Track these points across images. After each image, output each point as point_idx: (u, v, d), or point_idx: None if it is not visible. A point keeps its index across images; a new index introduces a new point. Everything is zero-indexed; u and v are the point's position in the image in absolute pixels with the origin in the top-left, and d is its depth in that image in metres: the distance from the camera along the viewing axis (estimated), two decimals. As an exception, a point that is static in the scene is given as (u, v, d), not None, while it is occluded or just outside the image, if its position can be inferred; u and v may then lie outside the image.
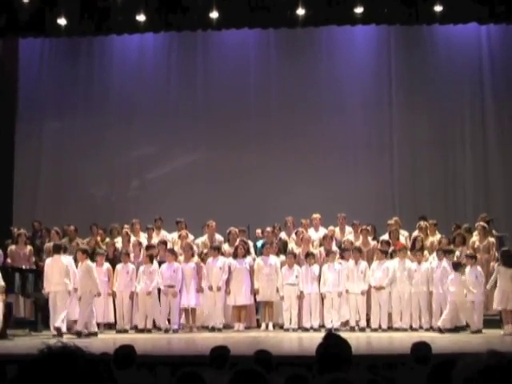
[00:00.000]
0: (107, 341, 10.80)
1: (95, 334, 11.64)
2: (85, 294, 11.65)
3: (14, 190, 16.46)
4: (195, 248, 13.17)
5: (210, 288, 12.57)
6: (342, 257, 12.74)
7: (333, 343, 3.44)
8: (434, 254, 12.60)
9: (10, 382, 1.56)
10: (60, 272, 11.56)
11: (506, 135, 16.17)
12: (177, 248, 13.31)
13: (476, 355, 1.70)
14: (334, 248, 13.15)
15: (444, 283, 11.97)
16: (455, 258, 12.30)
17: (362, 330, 12.30)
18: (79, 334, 11.41)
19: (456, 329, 11.79)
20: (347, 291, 12.46)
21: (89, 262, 11.81)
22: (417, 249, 12.69)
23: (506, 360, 1.65)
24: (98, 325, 12.31)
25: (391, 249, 12.83)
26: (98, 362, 1.59)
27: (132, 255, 13.05)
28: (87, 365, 1.56)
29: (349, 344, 3.42)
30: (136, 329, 12.57)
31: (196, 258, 12.86)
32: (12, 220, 15.66)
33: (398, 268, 12.40)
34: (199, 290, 12.61)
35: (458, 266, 11.87)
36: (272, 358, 5.57)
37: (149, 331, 12.45)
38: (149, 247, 13.19)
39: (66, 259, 11.84)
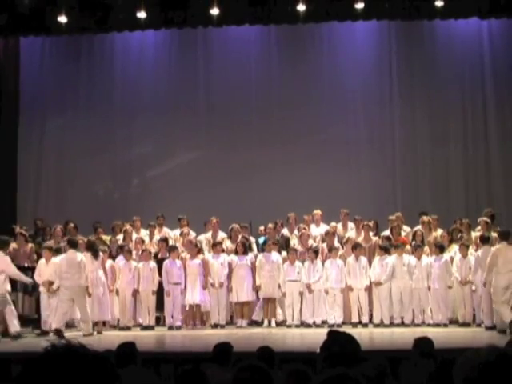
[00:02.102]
0: (111, 338, 10.82)
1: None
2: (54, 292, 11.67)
3: (18, 188, 16.50)
4: (198, 244, 13.17)
5: (212, 284, 12.60)
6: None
7: (337, 340, 3.41)
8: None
9: (14, 381, 1.57)
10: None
11: (507, 130, 16.14)
12: (179, 245, 13.32)
13: (476, 350, 1.71)
14: (337, 244, 13.15)
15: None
16: (448, 256, 12.32)
17: (365, 326, 12.32)
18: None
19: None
20: (350, 288, 12.47)
21: (54, 258, 11.84)
22: (417, 244, 12.66)
23: (505, 355, 1.66)
24: (104, 323, 12.37)
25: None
26: (103, 360, 1.61)
27: (134, 252, 13.05)
28: (92, 362, 1.57)
29: (355, 341, 3.37)
30: (140, 326, 12.59)
31: (201, 255, 12.85)
32: (16, 218, 15.68)
33: (396, 264, 12.40)
34: (205, 286, 12.63)
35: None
36: (275, 354, 5.58)
37: (152, 328, 12.47)
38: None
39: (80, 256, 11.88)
